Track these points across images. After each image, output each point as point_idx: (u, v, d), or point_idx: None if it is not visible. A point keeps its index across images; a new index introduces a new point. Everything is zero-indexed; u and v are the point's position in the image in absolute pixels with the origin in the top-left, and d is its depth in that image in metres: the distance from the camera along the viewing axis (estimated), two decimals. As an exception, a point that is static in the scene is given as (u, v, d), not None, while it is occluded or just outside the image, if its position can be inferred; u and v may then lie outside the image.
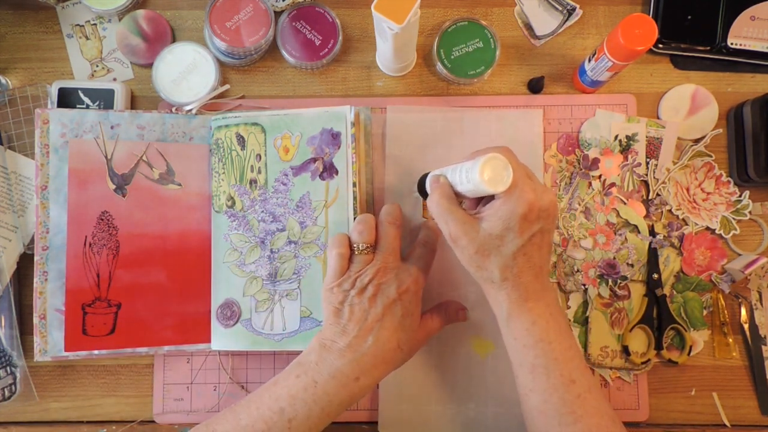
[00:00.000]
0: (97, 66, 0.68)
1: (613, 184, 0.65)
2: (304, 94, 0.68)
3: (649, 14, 0.67)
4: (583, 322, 0.64)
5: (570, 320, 0.64)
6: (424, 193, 0.59)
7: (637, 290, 0.65)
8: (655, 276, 0.64)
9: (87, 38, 0.68)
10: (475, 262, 0.50)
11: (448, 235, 0.50)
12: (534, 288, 0.50)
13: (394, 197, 0.65)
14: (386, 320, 0.51)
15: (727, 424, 0.64)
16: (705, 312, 0.64)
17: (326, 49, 0.66)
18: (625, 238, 0.65)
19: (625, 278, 0.64)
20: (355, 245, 0.55)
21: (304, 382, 0.50)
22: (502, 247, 0.49)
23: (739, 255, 0.65)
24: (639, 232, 0.65)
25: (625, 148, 0.65)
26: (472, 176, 0.48)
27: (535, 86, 0.67)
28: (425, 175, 0.58)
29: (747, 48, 0.66)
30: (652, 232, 0.65)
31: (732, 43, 0.66)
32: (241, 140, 0.63)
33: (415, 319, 0.54)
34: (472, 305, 0.64)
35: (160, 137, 0.63)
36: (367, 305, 0.52)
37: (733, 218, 0.65)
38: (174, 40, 0.68)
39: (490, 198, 0.50)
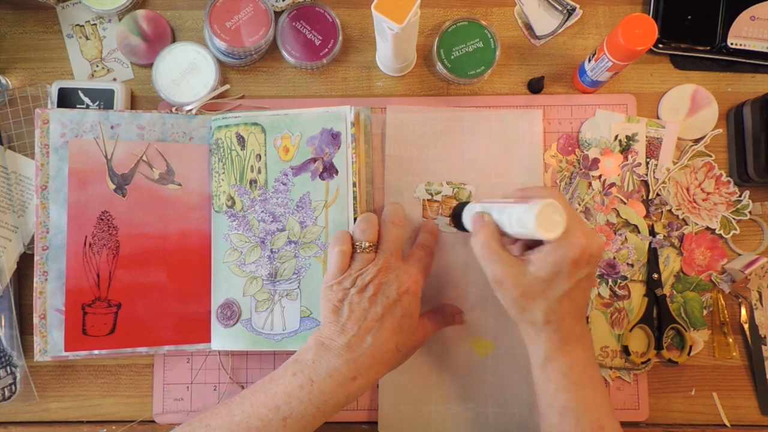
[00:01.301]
0: (97, 66, 0.68)
1: (613, 184, 0.65)
2: (304, 94, 0.68)
3: (649, 14, 0.67)
4: (583, 322, 0.64)
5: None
6: (459, 225, 0.59)
7: (637, 290, 0.65)
8: (655, 276, 0.64)
9: (87, 38, 0.68)
10: (519, 305, 0.49)
11: (493, 278, 0.50)
12: (574, 331, 0.50)
13: (394, 197, 0.65)
14: (386, 321, 0.51)
15: (727, 424, 0.64)
16: (705, 312, 0.64)
17: (326, 49, 0.66)
18: (625, 238, 0.65)
19: (625, 278, 0.64)
20: (357, 243, 0.55)
21: (301, 380, 0.49)
22: (548, 291, 0.48)
23: (739, 255, 0.65)
24: (639, 232, 0.65)
25: (625, 148, 0.65)
26: (526, 221, 0.47)
27: (535, 86, 0.67)
28: (460, 206, 0.58)
29: (747, 48, 0.66)
30: (652, 232, 0.65)
31: (732, 43, 0.66)
32: (241, 140, 0.63)
33: (414, 320, 0.54)
34: (472, 305, 0.64)
35: (160, 137, 0.63)
36: (367, 305, 0.51)
37: (733, 218, 0.65)
38: (174, 40, 0.68)
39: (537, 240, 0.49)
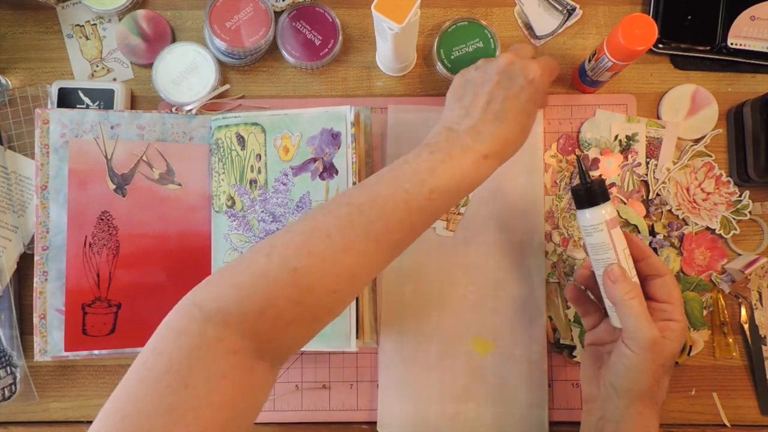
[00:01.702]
0: (97, 66, 0.68)
1: (613, 184, 0.65)
2: (304, 94, 0.68)
3: (649, 14, 0.67)
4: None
5: (570, 320, 0.64)
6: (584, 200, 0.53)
7: (637, 290, 0.65)
8: (655, 276, 0.64)
9: (87, 38, 0.68)
10: (658, 375, 0.49)
11: (650, 339, 0.48)
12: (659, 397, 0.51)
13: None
14: (512, 104, 0.50)
15: (727, 424, 0.64)
16: (705, 312, 0.64)
17: (326, 49, 0.66)
18: (625, 238, 0.65)
19: (625, 278, 0.64)
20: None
21: (440, 156, 0.48)
22: (671, 371, 0.51)
23: (739, 255, 0.65)
24: (639, 232, 0.65)
25: (625, 148, 0.65)
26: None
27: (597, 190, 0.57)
28: (588, 185, 0.52)
29: (747, 48, 0.66)
30: (652, 232, 0.65)
31: (732, 43, 0.66)
32: (241, 140, 0.63)
33: (537, 106, 0.52)
34: (472, 305, 0.64)
35: (160, 137, 0.63)
36: (491, 88, 0.51)
37: (733, 218, 0.65)
38: (174, 40, 0.68)
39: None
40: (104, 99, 0.65)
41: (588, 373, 0.54)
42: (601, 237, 0.51)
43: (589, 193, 0.52)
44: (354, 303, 0.60)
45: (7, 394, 0.63)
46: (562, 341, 0.64)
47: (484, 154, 0.48)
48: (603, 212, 0.51)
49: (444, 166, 0.47)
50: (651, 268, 0.52)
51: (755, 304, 0.65)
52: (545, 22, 0.68)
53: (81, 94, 0.65)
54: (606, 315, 0.55)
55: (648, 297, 0.52)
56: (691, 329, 0.64)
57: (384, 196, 0.46)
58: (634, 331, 0.48)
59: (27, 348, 0.64)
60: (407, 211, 0.46)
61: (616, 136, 0.66)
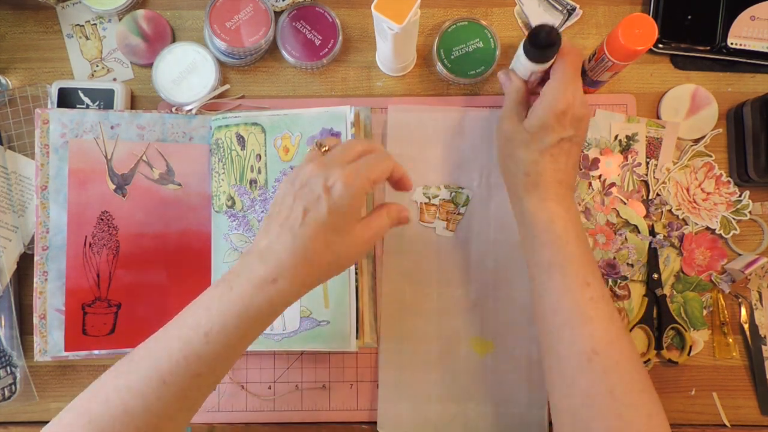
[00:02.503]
0: (97, 66, 0.68)
1: (613, 184, 0.65)
2: (304, 94, 0.68)
3: (649, 14, 0.67)
4: (583, 322, 0.64)
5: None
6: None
7: (637, 290, 0.65)
8: (655, 276, 0.64)
9: (87, 38, 0.68)
10: (506, 150, 0.55)
11: (495, 130, 0.57)
12: (557, 191, 0.53)
13: (394, 197, 0.65)
14: (309, 216, 0.44)
15: (727, 424, 0.64)
16: (705, 312, 0.64)
17: (326, 49, 0.66)
18: (625, 238, 0.65)
19: (625, 278, 0.64)
20: (318, 143, 0.50)
21: (220, 290, 0.45)
22: (532, 144, 0.53)
23: (739, 255, 0.65)
24: (639, 232, 0.65)
25: (625, 148, 0.65)
26: (518, 52, 0.56)
27: (545, 39, 0.53)
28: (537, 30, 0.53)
29: (747, 48, 0.66)
30: (652, 232, 0.65)
31: (732, 43, 0.66)
32: (241, 140, 0.63)
33: (348, 218, 0.46)
34: (472, 305, 0.64)
35: (160, 137, 0.63)
36: (291, 202, 0.46)
37: (733, 218, 0.65)
38: (174, 40, 0.68)
39: None
40: (104, 99, 0.65)
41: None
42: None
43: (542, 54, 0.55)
44: (354, 303, 0.60)
45: (7, 394, 0.63)
46: (562, 341, 0.64)
47: (273, 278, 0.44)
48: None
49: (221, 300, 0.44)
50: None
51: (755, 304, 0.65)
52: (545, 22, 0.68)
53: (81, 94, 0.65)
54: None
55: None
56: (691, 329, 0.64)
57: (160, 347, 0.44)
58: (499, 119, 0.58)
59: (27, 348, 0.64)
60: (184, 360, 0.43)
61: (616, 136, 0.66)
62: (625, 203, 0.65)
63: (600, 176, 0.65)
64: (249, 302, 0.44)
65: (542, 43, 0.54)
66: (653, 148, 0.65)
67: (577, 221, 0.53)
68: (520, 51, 0.56)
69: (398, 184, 0.51)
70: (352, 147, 0.48)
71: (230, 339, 0.44)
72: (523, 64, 0.57)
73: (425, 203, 0.65)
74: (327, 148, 0.49)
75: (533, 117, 0.53)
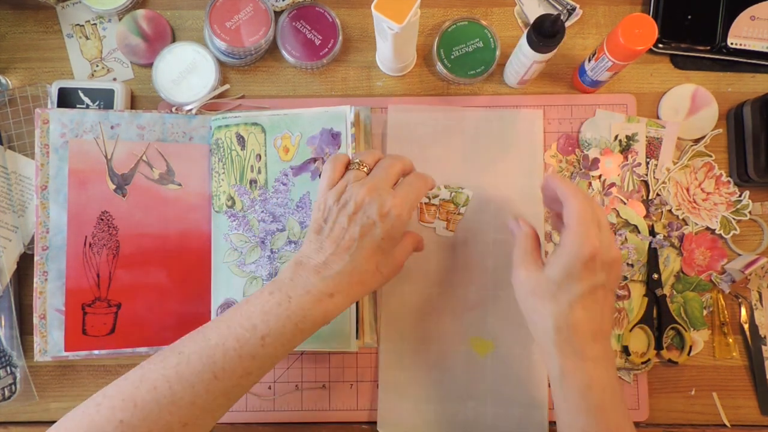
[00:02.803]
0: (97, 66, 0.68)
1: (613, 184, 0.65)
2: (304, 94, 0.68)
3: (649, 14, 0.67)
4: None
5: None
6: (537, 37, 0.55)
7: (637, 290, 0.65)
8: (655, 276, 0.64)
9: (87, 38, 0.68)
10: (530, 306, 0.50)
11: (513, 279, 0.52)
12: (593, 349, 0.47)
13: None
14: (364, 241, 0.49)
15: (727, 424, 0.64)
16: (705, 312, 0.64)
17: (326, 49, 0.66)
18: (625, 238, 0.65)
19: (625, 278, 0.64)
20: (353, 161, 0.53)
21: (278, 298, 0.47)
22: (559, 294, 0.48)
23: (739, 255, 0.65)
24: (639, 232, 0.65)
25: (625, 148, 0.65)
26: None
27: (549, 28, 0.56)
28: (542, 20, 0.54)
29: (747, 48, 0.66)
30: (652, 232, 0.65)
31: (732, 43, 0.66)
32: (241, 140, 0.63)
33: (395, 242, 0.51)
34: (472, 305, 0.64)
35: (160, 137, 0.63)
36: (346, 224, 0.49)
37: (733, 218, 0.65)
38: (174, 40, 0.68)
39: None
40: (104, 99, 0.65)
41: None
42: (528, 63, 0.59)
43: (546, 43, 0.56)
44: (354, 303, 0.60)
45: (7, 394, 0.63)
46: (562, 341, 0.64)
47: (330, 293, 0.48)
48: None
49: (280, 308, 0.47)
50: (561, 198, 0.51)
51: (755, 304, 0.65)
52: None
53: (81, 94, 0.65)
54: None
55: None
56: (691, 329, 0.64)
57: (214, 344, 0.46)
58: (512, 270, 0.53)
59: (27, 348, 0.64)
60: (239, 359, 0.45)
61: (616, 136, 0.66)
62: (625, 203, 0.65)
63: (600, 176, 0.65)
64: (307, 313, 0.47)
65: (547, 31, 0.54)
66: (653, 148, 0.65)
67: (616, 384, 0.48)
68: (522, 41, 0.56)
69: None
70: (393, 166, 0.52)
71: (284, 344, 0.47)
72: (525, 55, 0.57)
73: (425, 203, 0.65)
74: (367, 167, 0.52)
75: (557, 265, 0.48)
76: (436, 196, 0.64)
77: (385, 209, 0.49)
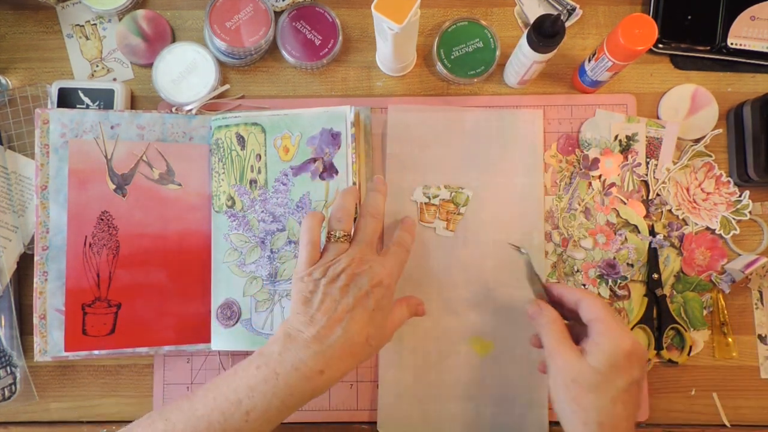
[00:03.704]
0: (97, 66, 0.68)
1: (613, 184, 0.65)
2: (304, 94, 0.68)
3: (649, 14, 0.67)
4: (583, 322, 0.64)
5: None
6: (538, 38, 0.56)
7: (637, 290, 0.65)
8: (655, 276, 0.64)
9: (87, 38, 0.68)
10: (571, 393, 0.47)
11: (549, 359, 0.49)
12: None
13: (394, 197, 0.65)
14: (356, 312, 0.48)
15: (727, 424, 0.64)
16: (705, 312, 0.64)
17: (326, 49, 0.66)
18: (625, 238, 0.65)
19: (625, 278, 0.64)
20: (332, 232, 0.52)
21: (265, 373, 0.47)
22: (603, 387, 0.46)
23: (739, 255, 0.65)
24: (639, 232, 0.65)
25: (625, 148, 0.65)
26: None
27: (549, 27, 0.56)
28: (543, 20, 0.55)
29: (747, 48, 0.66)
30: (652, 232, 0.65)
31: (732, 43, 0.66)
32: (241, 140, 0.63)
33: (386, 313, 0.51)
34: (472, 305, 0.64)
35: (160, 137, 0.63)
36: (338, 295, 0.49)
37: (733, 218, 0.65)
38: (174, 40, 0.68)
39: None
40: (104, 99, 0.65)
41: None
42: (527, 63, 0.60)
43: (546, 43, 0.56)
44: None
45: (7, 394, 0.63)
46: (562, 341, 0.64)
47: (320, 369, 0.47)
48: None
49: (266, 385, 0.46)
50: (570, 303, 0.52)
51: (755, 304, 0.65)
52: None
53: (81, 94, 0.65)
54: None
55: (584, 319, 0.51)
56: (691, 329, 0.64)
57: (200, 415, 0.46)
58: (547, 355, 0.50)
59: (27, 348, 0.64)
60: None
61: (616, 136, 0.65)
62: (625, 203, 0.65)
63: (600, 176, 0.65)
64: (294, 390, 0.46)
65: (547, 31, 0.55)
66: (653, 148, 0.65)
67: None
68: (522, 42, 0.56)
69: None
70: (372, 228, 0.53)
71: (270, 420, 0.46)
72: (525, 55, 0.57)
73: (425, 203, 0.65)
74: (347, 234, 0.52)
75: (601, 355, 0.47)
76: (436, 196, 0.64)
77: (376, 280, 0.49)
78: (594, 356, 0.47)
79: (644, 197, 0.65)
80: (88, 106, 0.65)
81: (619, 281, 0.64)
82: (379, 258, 0.52)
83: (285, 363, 0.47)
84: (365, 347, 0.49)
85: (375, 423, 0.63)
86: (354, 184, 0.60)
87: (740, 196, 0.65)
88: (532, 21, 0.68)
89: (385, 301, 0.50)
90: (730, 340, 0.64)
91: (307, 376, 0.47)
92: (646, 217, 0.65)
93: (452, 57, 0.66)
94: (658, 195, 0.65)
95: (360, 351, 0.49)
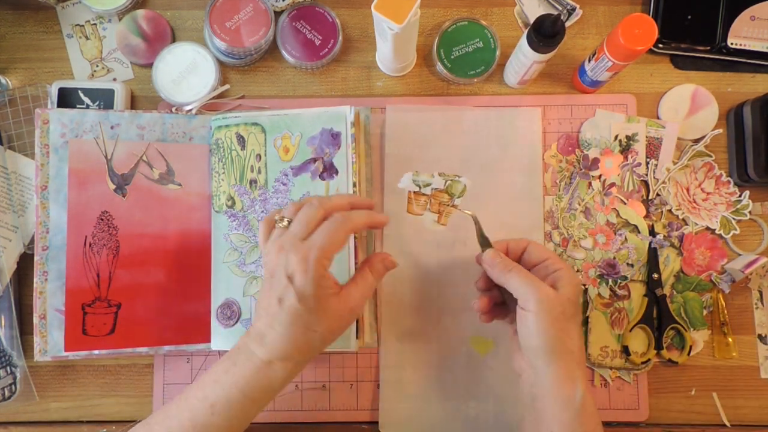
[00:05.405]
0: (97, 66, 0.68)
1: (613, 184, 0.65)
2: (304, 94, 0.68)
3: (649, 14, 0.67)
4: (583, 322, 0.64)
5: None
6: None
7: (637, 290, 0.65)
8: (655, 276, 0.64)
9: (87, 38, 0.68)
10: (560, 323, 0.48)
11: (532, 296, 0.49)
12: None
13: (393, 196, 0.65)
14: (283, 305, 0.47)
15: (727, 424, 0.64)
16: (705, 312, 0.64)
17: (326, 49, 0.66)
18: (625, 238, 0.65)
19: (625, 278, 0.64)
20: (277, 219, 0.51)
21: (225, 365, 0.49)
22: (576, 315, 0.50)
23: (739, 255, 0.65)
24: (639, 232, 0.65)
25: (625, 148, 0.65)
26: None
27: (549, 28, 0.56)
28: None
29: (747, 48, 0.66)
30: (652, 232, 0.65)
31: (732, 43, 0.66)
32: (241, 140, 0.63)
33: (320, 299, 0.47)
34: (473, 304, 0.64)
35: (160, 137, 0.63)
36: (268, 289, 0.48)
37: (733, 218, 0.65)
38: (174, 40, 0.68)
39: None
40: (104, 99, 0.65)
41: (513, 349, 0.53)
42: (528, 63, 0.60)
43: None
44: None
45: (7, 394, 0.63)
46: (562, 341, 0.64)
47: (267, 360, 0.48)
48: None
49: (226, 376, 0.48)
50: (518, 250, 0.55)
51: (755, 304, 0.65)
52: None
53: (81, 94, 0.65)
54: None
55: (528, 266, 0.53)
56: (691, 329, 0.64)
57: (172, 415, 0.48)
58: (524, 294, 0.49)
59: (27, 348, 0.64)
60: (193, 429, 0.47)
61: (616, 136, 0.65)
62: (625, 203, 0.65)
63: (600, 176, 0.65)
64: (249, 380, 0.48)
65: (547, 31, 0.55)
66: (653, 148, 0.65)
67: None
68: (522, 42, 0.56)
69: (374, 227, 0.53)
70: (312, 217, 0.49)
71: (236, 413, 0.48)
72: (525, 55, 0.57)
73: (415, 192, 0.58)
74: (286, 222, 0.50)
75: (570, 288, 0.50)
76: (428, 185, 0.58)
77: (289, 270, 0.47)
78: (565, 289, 0.50)
79: (644, 197, 0.65)
80: (88, 106, 0.65)
81: (619, 281, 0.64)
82: (299, 244, 0.48)
83: (240, 354, 0.49)
84: (309, 334, 0.48)
85: (375, 423, 0.63)
86: (354, 184, 0.60)
87: (740, 196, 0.65)
88: (532, 21, 0.68)
89: (306, 289, 0.46)
90: (730, 340, 0.64)
91: (258, 367, 0.48)
92: (646, 217, 0.65)
93: (452, 57, 0.66)
94: (658, 195, 0.65)
95: (304, 340, 0.48)
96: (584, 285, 0.64)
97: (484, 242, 0.55)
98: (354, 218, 0.49)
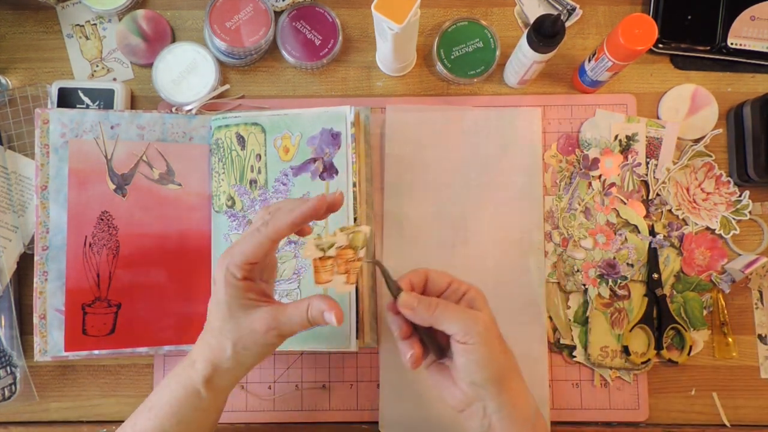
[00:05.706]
0: (97, 66, 0.68)
1: (613, 184, 0.65)
2: (304, 94, 0.68)
3: (649, 14, 0.67)
4: (583, 322, 0.64)
5: (570, 320, 0.64)
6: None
7: (637, 290, 0.65)
8: (655, 276, 0.64)
9: (87, 38, 0.68)
10: (501, 346, 0.48)
11: (470, 327, 0.46)
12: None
13: (393, 197, 0.65)
14: (210, 304, 0.48)
15: (727, 424, 0.64)
16: (705, 312, 0.64)
17: (326, 49, 0.66)
18: (625, 238, 0.65)
19: (625, 278, 0.64)
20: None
21: (173, 369, 0.50)
22: (497, 328, 0.49)
23: (739, 255, 0.65)
24: (639, 232, 0.65)
25: (625, 148, 0.65)
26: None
27: (549, 28, 0.56)
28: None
29: (747, 48, 0.66)
30: (652, 232, 0.65)
31: (732, 43, 0.66)
32: (241, 140, 0.63)
33: (231, 305, 0.46)
34: (472, 305, 0.64)
35: (160, 137, 0.63)
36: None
37: (733, 218, 0.65)
38: (174, 40, 0.68)
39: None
40: (104, 99, 0.65)
41: (445, 387, 0.50)
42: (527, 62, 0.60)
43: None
44: (354, 303, 0.60)
45: (7, 394, 0.63)
46: (562, 341, 0.64)
47: (192, 359, 0.49)
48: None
49: (164, 379, 0.50)
50: (420, 283, 0.51)
51: (755, 304, 0.65)
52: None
53: (81, 94, 0.65)
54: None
55: (436, 294, 0.50)
56: (691, 329, 0.64)
57: (124, 426, 0.50)
58: (462, 327, 0.46)
59: (27, 348, 0.64)
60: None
61: (616, 136, 0.66)
62: (625, 203, 0.65)
63: (600, 176, 0.65)
64: (180, 379, 0.48)
65: (547, 31, 0.55)
66: (653, 148, 0.65)
67: None
68: (522, 42, 0.56)
69: (313, 218, 0.48)
70: (261, 214, 0.48)
71: (169, 415, 0.48)
72: (525, 55, 0.57)
73: (320, 258, 0.48)
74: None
75: (486, 303, 0.50)
76: (331, 246, 0.48)
77: (213, 277, 0.49)
78: (485, 308, 0.49)
79: (644, 197, 0.65)
80: (88, 106, 0.65)
81: (619, 281, 0.64)
82: (227, 250, 0.47)
83: (184, 361, 0.50)
84: (221, 339, 0.47)
85: (375, 423, 0.63)
86: (354, 184, 0.60)
87: (740, 196, 0.65)
88: (532, 21, 0.68)
89: (220, 294, 0.46)
90: (730, 340, 0.64)
91: (184, 365, 0.49)
92: (646, 217, 0.65)
93: (452, 57, 0.66)
94: (658, 195, 0.65)
95: (218, 344, 0.47)
96: (584, 285, 0.64)
97: (395, 288, 0.49)
98: (275, 222, 0.46)
